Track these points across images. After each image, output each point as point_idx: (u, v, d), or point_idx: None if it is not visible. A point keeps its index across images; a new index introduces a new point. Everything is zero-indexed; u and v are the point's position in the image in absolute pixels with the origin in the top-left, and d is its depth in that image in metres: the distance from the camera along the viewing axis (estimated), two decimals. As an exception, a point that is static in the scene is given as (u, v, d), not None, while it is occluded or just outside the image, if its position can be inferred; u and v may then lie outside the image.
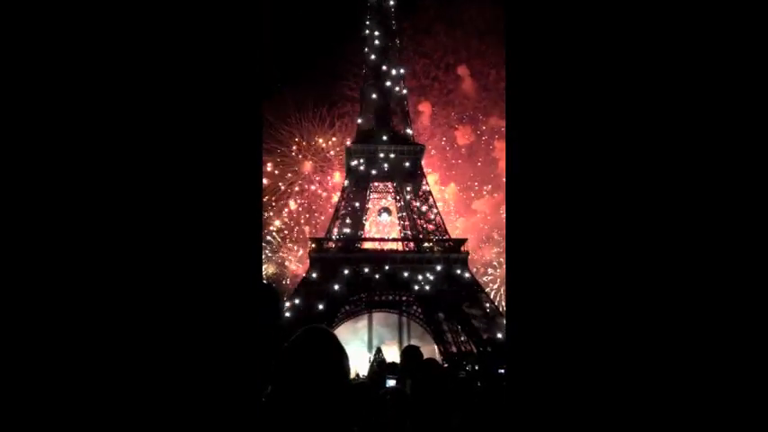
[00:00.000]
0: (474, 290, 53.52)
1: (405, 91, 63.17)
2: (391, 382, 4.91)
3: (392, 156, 58.84)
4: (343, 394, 2.09)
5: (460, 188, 75.37)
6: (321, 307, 50.58)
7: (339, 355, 2.16)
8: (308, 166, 73.92)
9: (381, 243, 57.81)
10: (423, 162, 61.08)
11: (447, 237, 56.81)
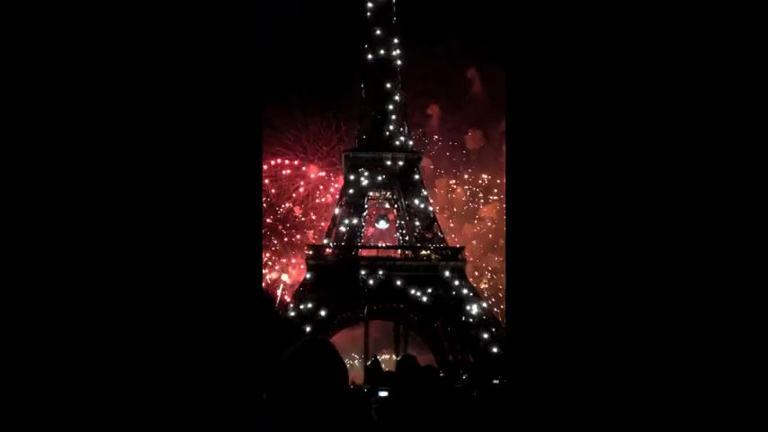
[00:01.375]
0: (472, 298, 53.55)
1: (403, 99, 63.55)
2: (383, 395, 4.87)
3: (390, 163, 59.05)
4: (341, 403, 2.12)
5: (468, 194, 75.03)
6: (318, 314, 50.58)
7: (337, 365, 2.20)
8: (313, 170, 73.67)
9: (378, 250, 57.87)
10: (431, 167, 61.37)
11: (445, 244, 56.93)
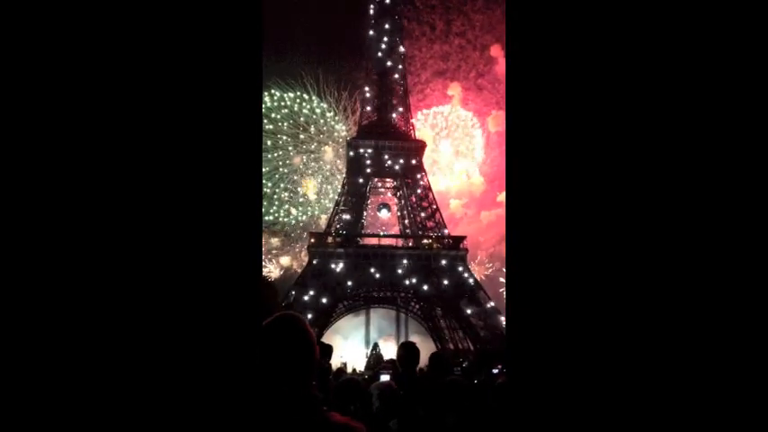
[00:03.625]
0: (472, 287, 53.58)
1: (407, 83, 63.10)
2: (385, 377, 4.91)
3: (392, 151, 58.78)
4: (309, 376, 2.17)
5: (487, 179, 73.26)
6: (320, 301, 50.68)
7: (306, 342, 2.24)
8: (328, 151, 72.02)
9: (380, 238, 57.78)
10: (451, 150, 60.45)
11: (447, 233, 56.82)
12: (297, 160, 70.51)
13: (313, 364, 2.26)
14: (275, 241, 67.86)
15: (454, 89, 73.53)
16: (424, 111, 71.18)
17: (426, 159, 63.19)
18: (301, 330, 2.25)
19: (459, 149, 72.64)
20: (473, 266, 64.55)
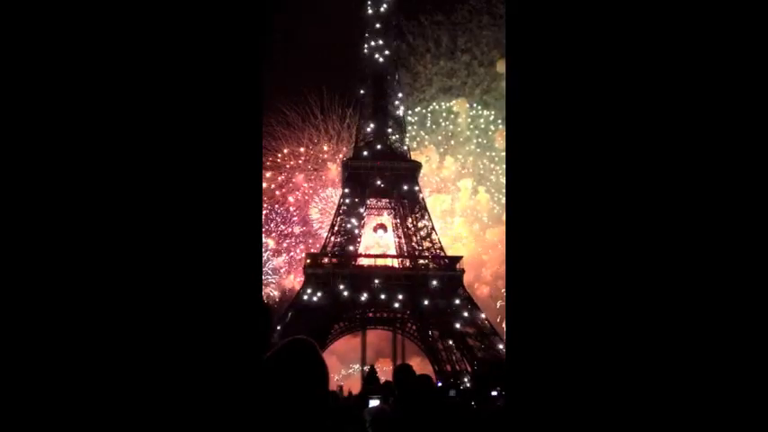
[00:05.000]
0: (470, 308, 53.46)
1: (404, 105, 63.80)
2: (374, 403, 4.81)
3: (388, 172, 59.09)
4: (321, 401, 2.14)
5: (493, 196, 72.60)
6: (315, 322, 50.46)
7: (318, 365, 2.23)
8: (333, 170, 71.64)
9: (376, 259, 57.78)
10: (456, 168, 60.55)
11: (443, 254, 56.88)
12: (299, 178, 70.58)
13: (323, 389, 2.21)
14: (279, 261, 67.76)
15: (460, 105, 73.40)
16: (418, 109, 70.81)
17: (431, 174, 62.96)
18: (314, 356, 2.21)
19: (465, 168, 72.47)
20: (478, 286, 64.40)
